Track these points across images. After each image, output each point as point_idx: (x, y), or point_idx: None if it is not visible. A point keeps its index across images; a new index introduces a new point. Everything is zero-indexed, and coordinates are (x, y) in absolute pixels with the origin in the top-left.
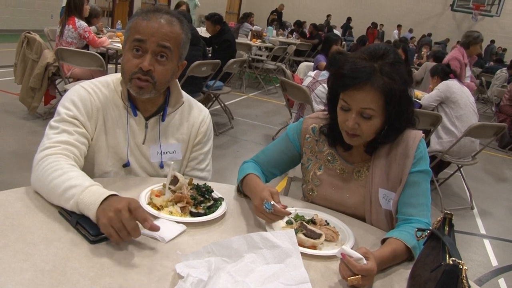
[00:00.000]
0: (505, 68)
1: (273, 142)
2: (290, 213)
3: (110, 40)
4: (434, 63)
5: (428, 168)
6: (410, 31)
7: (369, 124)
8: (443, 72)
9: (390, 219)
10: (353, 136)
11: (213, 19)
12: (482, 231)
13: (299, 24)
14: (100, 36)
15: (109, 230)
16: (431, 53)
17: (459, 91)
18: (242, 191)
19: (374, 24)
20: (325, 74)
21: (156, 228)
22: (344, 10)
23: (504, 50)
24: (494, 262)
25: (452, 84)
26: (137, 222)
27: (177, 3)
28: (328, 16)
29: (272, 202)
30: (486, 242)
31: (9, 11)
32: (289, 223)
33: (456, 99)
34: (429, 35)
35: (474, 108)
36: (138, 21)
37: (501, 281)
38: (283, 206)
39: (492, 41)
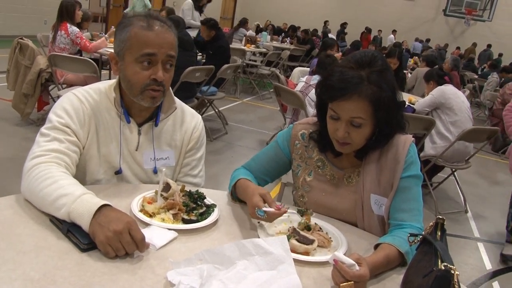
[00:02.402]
0: (495, 72)
1: (263, 150)
2: (285, 211)
3: (110, 39)
4: (426, 68)
5: (419, 172)
6: (422, 41)
7: (359, 132)
8: (438, 76)
9: (383, 225)
10: (344, 145)
11: (209, 24)
12: (476, 234)
13: (293, 29)
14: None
15: (106, 248)
16: (423, 57)
17: (454, 97)
18: (236, 197)
19: (368, 29)
20: (316, 78)
21: (147, 247)
22: (339, 16)
23: (500, 55)
24: (488, 266)
25: (446, 89)
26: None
27: (160, 9)
28: (326, 22)
29: (264, 209)
30: (480, 246)
31: (1, 17)
32: (300, 212)
33: (451, 105)
34: (428, 40)
35: (469, 113)
36: (140, 32)
37: (495, 285)
38: (277, 207)
39: (489, 46)
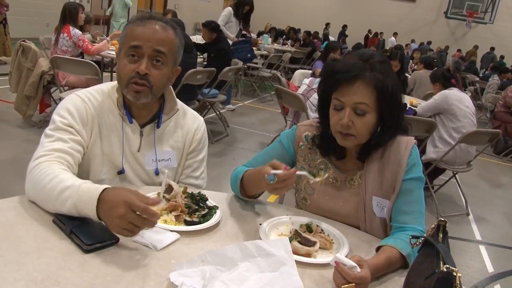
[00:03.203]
0: (496, 74)
1: (265, 150)
2: (294, 171)
3: (112, 41)
4: (425, 70)
5: (421, 174)
6: (421, 42)
7: (363, 121)
8: (444, 78)
9: (385, 227)
10: (347, 136)
11: (210, 26)
12: (478, 237)
13: (294, 31)
14: (95, 43)
15: (123, 233)
16: (421, 59)
17: (458, 102)
18: (244, 192)
19: (375, 33)
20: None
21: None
22: (340, 18)
23: (502, 57)
24: (490, 268)
25: (450, 94)
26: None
27: (164, 12)
28: (327, 24)
29: (272, 172)
30: (482, 248)
31: None
32: (312, 174)
33: (454, 110)
34: (429, 43)
35: (474, 119)
36: (133, 28)
37: (497, 287)
38: (285, 169)
39: (492, 48)
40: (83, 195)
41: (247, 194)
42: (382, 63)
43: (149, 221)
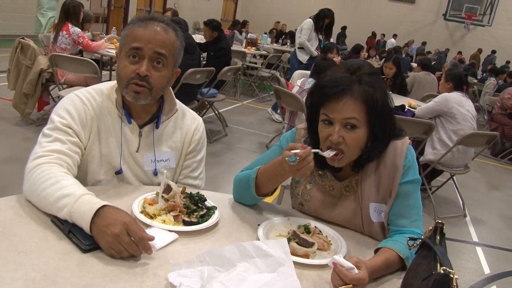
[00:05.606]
0: (493, 75)
1: (266, 153)
2: (311, 148)
3: (108, 43)
4: (423, 72)
5: (417, 176)
6: (424, 43)
7: (354, 137)
8: (459, 81)
9: (383, 231)
10: (336, 154)
11: (212, 25)
12: (475, 238)
13: (286, 35)
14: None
15: (110, 252)
16: (418, 61)
17: (458, 105)
18: (259, 191)
19: (374, 35)
20: (311, 82)
21: (151, 238)
22: (339, 19)
23: (508, 62)
24: (487, 270)
25: (451, 98)
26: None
27: (163, 11)
28: None
29: (293, 151)
30: (479, 250)
31: (2, 16)
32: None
33: (454, 113)
34: (424, 43)
35: (474, 122)
36: (134, 29)
37: None
38: (302, 147)
39: (493, 51)
40: (81, 206)
41: (262, 193)
42: (370, 75)
43: (140, 251)
